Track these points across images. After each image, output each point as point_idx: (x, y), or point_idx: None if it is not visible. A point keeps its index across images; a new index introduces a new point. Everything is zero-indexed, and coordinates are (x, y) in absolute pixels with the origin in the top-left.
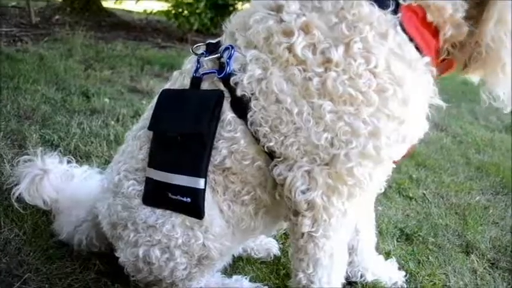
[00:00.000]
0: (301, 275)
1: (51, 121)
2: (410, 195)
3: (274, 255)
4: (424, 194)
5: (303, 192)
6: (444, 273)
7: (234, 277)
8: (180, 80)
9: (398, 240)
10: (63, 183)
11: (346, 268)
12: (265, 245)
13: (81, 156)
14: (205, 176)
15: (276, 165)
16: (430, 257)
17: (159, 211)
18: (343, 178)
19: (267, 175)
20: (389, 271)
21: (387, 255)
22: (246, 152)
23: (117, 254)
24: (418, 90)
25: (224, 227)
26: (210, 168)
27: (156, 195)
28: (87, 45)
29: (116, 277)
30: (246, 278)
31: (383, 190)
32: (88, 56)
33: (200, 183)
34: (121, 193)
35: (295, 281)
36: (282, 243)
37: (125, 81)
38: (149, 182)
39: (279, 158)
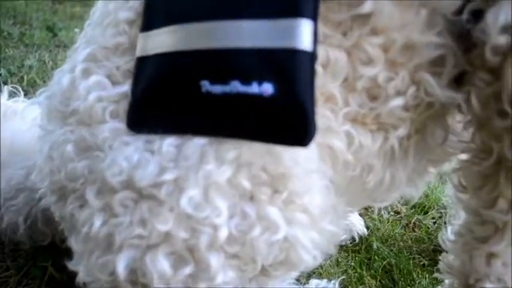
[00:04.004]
0: (488, 285)
1: (1, 56)
2: None
3: (360, 236)
4: None
5: None
6: None
7: (314, 283)
8: None
9: None
10: None
11: None
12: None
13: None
14: (314, 16)
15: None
16: None
17: (168, 144)
18: None
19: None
20: None
21: None
22: None
23: (70, 265)
24: None
25: (326, 192)
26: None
27: (163, 97)
28: None
29: None
30: (334, 284)
31: None
32: None
33: (301, 34)
34: (73, 113)
35: None
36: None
37: None
38: (146, 67)
39: None
